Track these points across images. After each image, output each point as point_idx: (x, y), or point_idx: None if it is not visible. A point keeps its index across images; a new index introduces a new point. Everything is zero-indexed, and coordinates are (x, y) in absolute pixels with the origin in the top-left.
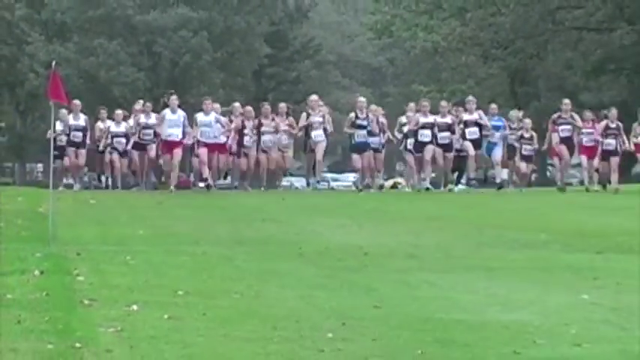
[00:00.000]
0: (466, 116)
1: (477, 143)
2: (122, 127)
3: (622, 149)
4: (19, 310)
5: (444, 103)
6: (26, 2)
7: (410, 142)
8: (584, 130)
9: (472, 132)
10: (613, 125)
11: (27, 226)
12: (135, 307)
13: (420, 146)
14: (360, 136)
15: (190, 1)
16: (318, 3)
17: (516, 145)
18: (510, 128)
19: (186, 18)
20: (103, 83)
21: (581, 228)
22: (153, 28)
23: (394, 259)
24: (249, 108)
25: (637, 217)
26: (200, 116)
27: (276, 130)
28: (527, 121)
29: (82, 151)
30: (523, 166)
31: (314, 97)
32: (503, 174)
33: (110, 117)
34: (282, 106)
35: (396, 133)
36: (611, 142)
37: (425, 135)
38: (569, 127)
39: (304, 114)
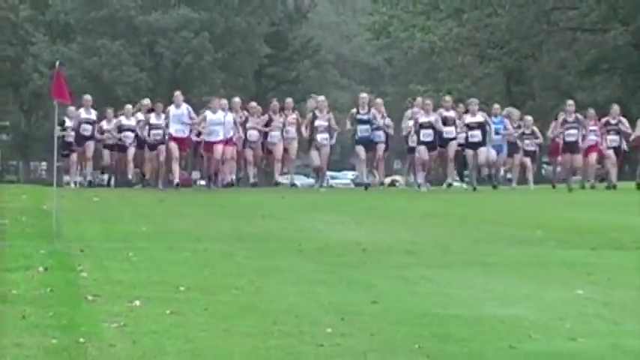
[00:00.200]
0: (468, 118)
1: (479, 146)
2: (132, 122)
3: (626, 145)
4: (23, 306)
5: (447, 97)
6: (30, 3)
7: (413, 139)
8: (590, 128)
9: (474, 135)
10: (614, 121)
11: (31, 224)
12: (137, 302)
13: (422, 145)
14: (362, 130)
15: (192, 2)
16: (317, 4)
17: (519, 142)
18: (511, 127)
19: (187, 19)
20: (106, 83)
21: (577, 225)
22: (155, 29)
23: (392, 255)
24: (253, 104)
25: (631, 213)
26: (208, 114)
27: (284, 126)
28: (529, 118)
29: (90, 143)
30: (528, 160)
31: (322, 97)
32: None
33: (116, 116)
34: (289, 101)
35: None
36: (614, 139)
37: (427, 134)
38: (575, 131)
39: (310, 115)
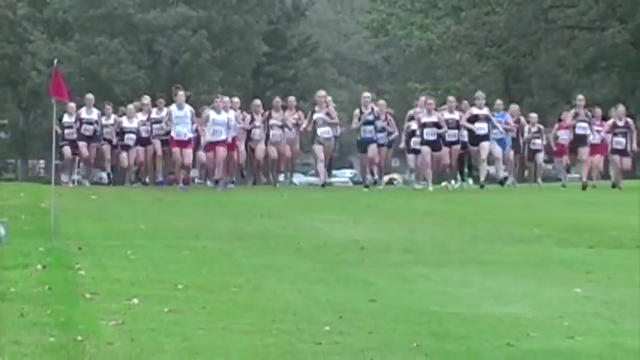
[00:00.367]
0: (476, 110)
1: (485, 138)
2: (134, 123)
3: (633, 148)
4: (22, 304)
5: (451, 98)
6: (28, 1)
7: (414, 140)
8: (595, 128)
9: (481, 127)
10: (621, 123)
11: (29, 222)
12: (136, 300)
13: (425, 144)
14: (366, 131)
15: (190, 0)
16: (315, 2)
17: (522, 139)
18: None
19: (185, 17)
20: (104, 81)
21: (575, 223)
22: (153, 27)
23: (390, 253)
24: (257, 102)
25: (630, 212)
26: (212, 114)
27: (284, 124)
28: (533, 115)
29: (93, 145)
30: (538, 157)
31: (321, 92)
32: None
33: (115, 113)
34: (292, 99)
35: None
36: (620, 141)
37: (429, 134)
38: (585, 124)
39: (309, 111)
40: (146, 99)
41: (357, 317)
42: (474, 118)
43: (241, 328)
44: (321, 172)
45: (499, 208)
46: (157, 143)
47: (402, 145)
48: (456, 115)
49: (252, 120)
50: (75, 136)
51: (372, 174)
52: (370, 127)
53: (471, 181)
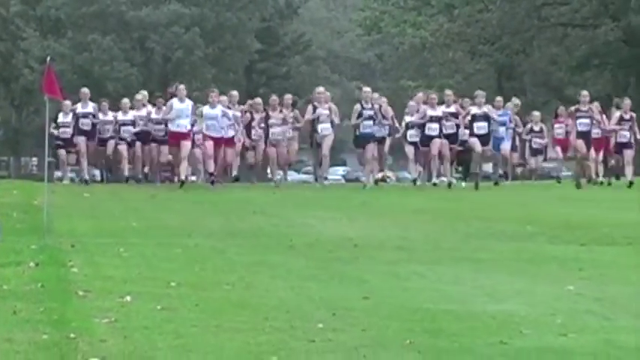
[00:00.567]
0: (474, 110)
1: (485, 139)
2: (130, 116)
3: (636, 140)
4: (14, 301)
5: (448, 91)
6: None
7: (410, 133)
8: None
9: (480, 127)
10: (627, 116)
11: (22, 219)
12: (128, 298)
13: (427, 140)
14: (365, 127)
15: None
16: None
17: (525, 137)
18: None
19: (178, 14)
20: (97, 78)
21: (567, 220)
22: (145, 24)
23: (384, 251)
24: (258, 100)
25: (622, 209)
26: (206, 109)
27: (284, 122)
28: (537, 114)
29: (92, 142)
30: (532, 161)
31: (321, 89)
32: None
33: (111, 109)
34: (288, 97)
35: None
36: (625, 134)
37: (432, 129)
38: (587, 120)
39: (310, 107)
40: (140, 95)
41: (351, 314)
42: (472, 119)
43: (234, 325)
44: (323, 170)
45: (492, 206)
46: (154, 145)
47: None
48: (453, 109)
49: (252, 119)
50: (70, 134)
51: (379, 169)
52: (370, 122)
53: (463, 184)
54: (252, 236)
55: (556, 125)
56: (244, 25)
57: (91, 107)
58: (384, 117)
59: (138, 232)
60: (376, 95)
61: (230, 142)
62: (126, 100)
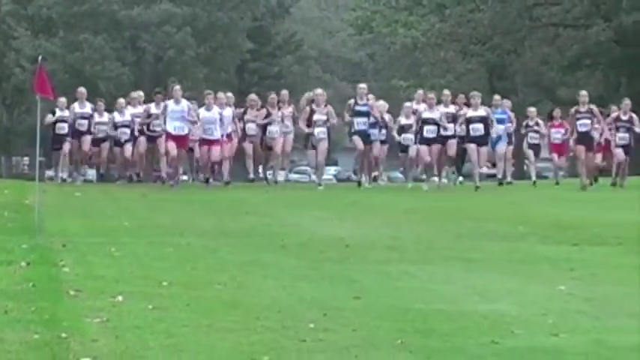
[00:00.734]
0: (470, 112)
1: (482, 140)
2: (127, 116)
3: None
4: (6, 301)
5: (446, 91)
6: None
7: (404, 137)
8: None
9: (476, 129)
10: (625, 117)
11: (13, 218)
12: (120, 297)
13: (424, 142)
14: (360, 123)
15: None
16: None
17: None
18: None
19: (170, 13)
20: (88, 78)
21: (559, 220)
22: (137, 24)
23: (375, 250)
24: (254, 96)
25: (613, 209)
26: (202, 112)
27: (282, 120)
28: (532, 110)
29: (87, 138)
30: (531, 153)
31: (319, 90)
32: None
33: (107, 109)
34: (285, 93)
35: (394, 133)
36: (624, 136)
37: (430, 131)
38: (588, 121)
39: (307, 108)
40: (135, 93)
41: (342, 314)
42: (468, 121)
43: (226, 325)
44: (319, 176)
45: (483, 206)
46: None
47: (395, 135)
48: (452, 109)
49: (244, 114)
50: (66, 130)
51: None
52: (364, 119)
53: (460, 178)
54: (245, 236)
55: (553, 130)
56: (236, 24)
57: (89, 108)
58: (385, 126)
59: (129, 232)
60: (371, 97)
61: (216, 141)
62: (122, 101)
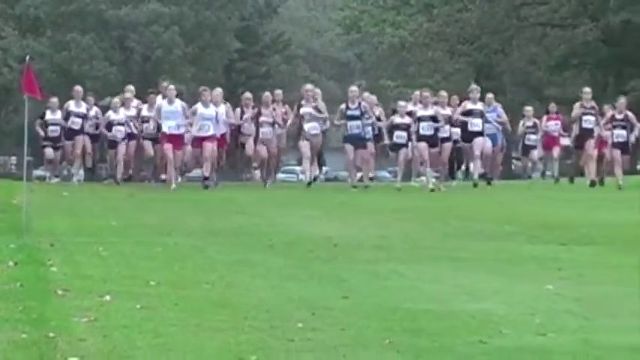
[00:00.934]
0: (470, 105)
1: (479, 135)
2: (121, 115)
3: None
4: None
5: (443, 93)
6: None
7: (397, 134)
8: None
9: (475, 123)
10: (620, 116)
11: (1, 218)
12: (108, 297)
13: (422, 139)
14: (353, 127)
15: None
16: None
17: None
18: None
19: (157, 13)
20: (76, 77)
21: (546, 220)
22: (125, 23)
23: (363, 250)
24: (248, 95)
25: (601, 208)
26: (200, 108)
27: (275, 121)
28: (529, 109)
29: (80, 137)
30: (534, 154)
31: (309, 86)
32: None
33: (97, 105)
34: (278, 93)
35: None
36: (621, 134)
37: (426, 127)
38: (592, 118)
39: (295, 105)
40: (128, 94)
41: (330, 314)
42: (468, 113)
43: (214, 324)
44: (307, 170)
45: (470, 205)
46: (148, 144)
47: (386, 140)
48: (448, 111)
49: (242, 113)
50: (59, 133)
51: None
52: (357, 123)
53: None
54: (233, 235)
55: (550, 122)
56: (224, 24)
57: (84, 107)
58: (378, 120)
59: (117, 231)
60: (366, 94)
61: (210, 137)
62: (116, 100)
